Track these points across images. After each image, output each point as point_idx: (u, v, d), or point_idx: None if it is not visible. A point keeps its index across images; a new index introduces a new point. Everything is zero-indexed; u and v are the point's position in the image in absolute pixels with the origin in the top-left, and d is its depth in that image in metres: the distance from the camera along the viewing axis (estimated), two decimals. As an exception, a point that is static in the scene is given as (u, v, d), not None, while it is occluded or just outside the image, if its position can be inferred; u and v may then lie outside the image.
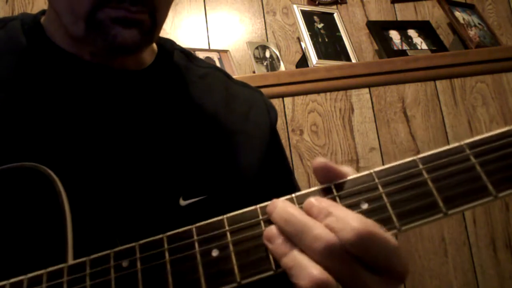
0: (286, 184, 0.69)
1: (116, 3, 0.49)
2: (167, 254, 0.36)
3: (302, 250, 0.33)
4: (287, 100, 1.44)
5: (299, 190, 0.69)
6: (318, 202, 0.34)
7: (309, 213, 0.34)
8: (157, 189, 0.54)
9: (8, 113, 0.52)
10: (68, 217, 0.43)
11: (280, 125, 1.41)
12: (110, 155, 0.53)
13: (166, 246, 0.37)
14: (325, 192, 0.36)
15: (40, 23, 0.59)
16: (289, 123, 1.43)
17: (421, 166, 0.35)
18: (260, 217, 0.37)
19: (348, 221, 0.32)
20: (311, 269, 0.31)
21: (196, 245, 0.36)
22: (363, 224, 0.32)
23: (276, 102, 1.42)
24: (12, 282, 0.38)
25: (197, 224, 0.37)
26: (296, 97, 1.44)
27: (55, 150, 0.51)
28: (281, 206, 0.35)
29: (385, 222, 0.34)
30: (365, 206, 0.35)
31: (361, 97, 1.46)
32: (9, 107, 0.52)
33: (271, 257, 0.34)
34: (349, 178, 0.36)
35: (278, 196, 0.65)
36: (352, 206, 0.35)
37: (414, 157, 0.35)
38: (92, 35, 0.51)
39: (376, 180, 0.35)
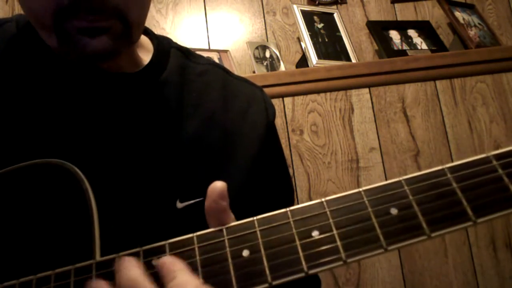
0: (281, 185, 0.69)
1: (74, 14, 0.47)
2: (197, 253, 0.37)
3: None
4: (287, 100, 1.44)
5: (292, 188, 0.70)
6: (170, 264, 0.36)
7: (159, 270, 0.36)
8: (154, 192, 0.54)
9: None
10: (95, 214, 0.44)
11: (280, 125, 1.41)
12: (106, 159, 0.53)
13: (196, 244, 0.38)
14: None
15: None
16: (289, 123, 1.43)
17: (449, 175, 0.36)
18: (290, 219, 0.37)
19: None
20: None
21: (227, 244, 0.37)
22: None
23: (276, 102, 1.42)
24: (39, 277, 0.39)
25: (227, 225, 0.38)
26: (296, 97, 1.44)
27: (51, 152, 0.51)
28: (127, 269, 0.36)
29: (416, 228, 0.34)
30: (395, 211, 0.36)
31: (361, 97, 1.46)
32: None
33: (302, 259, 0.35)
34: (376, 185, 0.37)
35: (273, 197, 0.65)
36: (383, 214, 0.36)
37: (443, 166, 0.37)
38: (65, 47, 0.50)
39: (406, 187, 0.36)
